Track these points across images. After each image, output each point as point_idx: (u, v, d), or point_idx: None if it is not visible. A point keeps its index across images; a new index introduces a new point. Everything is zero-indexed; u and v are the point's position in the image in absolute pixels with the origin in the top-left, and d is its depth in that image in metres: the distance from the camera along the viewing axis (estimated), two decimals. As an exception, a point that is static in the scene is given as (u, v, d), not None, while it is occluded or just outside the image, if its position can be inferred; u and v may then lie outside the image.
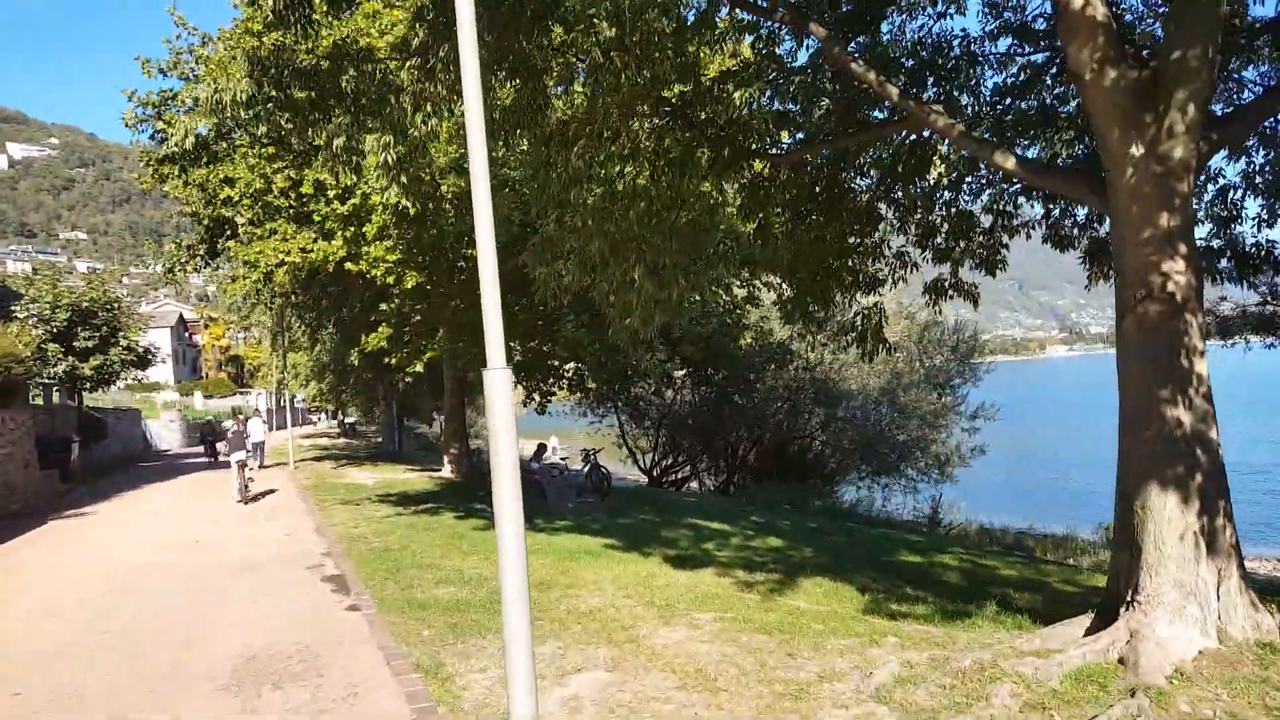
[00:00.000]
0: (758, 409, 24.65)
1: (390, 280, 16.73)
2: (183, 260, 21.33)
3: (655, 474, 28.56)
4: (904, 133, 8.77)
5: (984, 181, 9.76)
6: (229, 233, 20.73)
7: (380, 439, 48.86)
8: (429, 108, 9.04)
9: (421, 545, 11.03)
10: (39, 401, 26.86)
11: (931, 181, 9.29)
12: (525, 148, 13.33)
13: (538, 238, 9.21)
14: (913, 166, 8.98)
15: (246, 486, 17.75)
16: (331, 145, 9.16)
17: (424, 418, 55.04)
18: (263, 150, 18.53)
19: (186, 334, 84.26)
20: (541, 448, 19.61)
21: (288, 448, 27.97)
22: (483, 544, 11.10)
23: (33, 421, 21.02)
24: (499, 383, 4.19)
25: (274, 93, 8.64)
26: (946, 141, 8.38)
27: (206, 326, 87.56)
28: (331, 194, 16.78)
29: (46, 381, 27.92)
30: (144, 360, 33.45)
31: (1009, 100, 9.17)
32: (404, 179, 9.17)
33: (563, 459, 46.72)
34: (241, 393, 70.78)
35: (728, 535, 13.02)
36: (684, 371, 23.32)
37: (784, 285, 10.44)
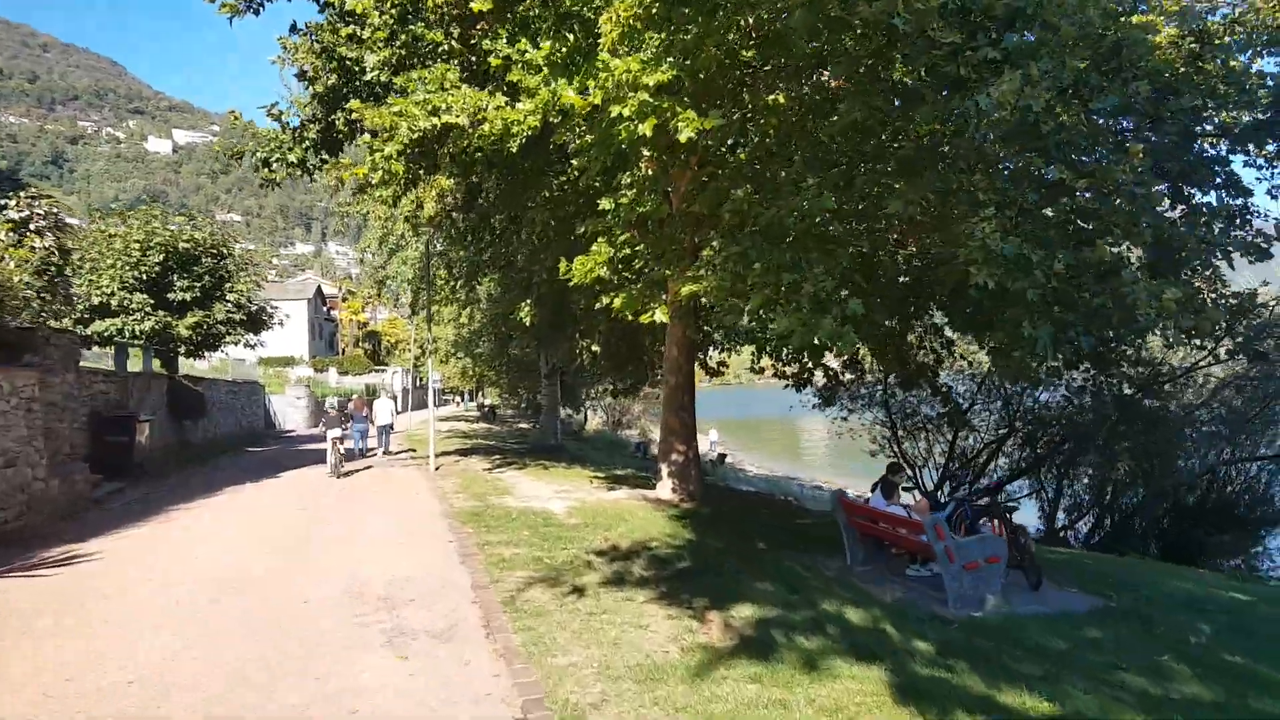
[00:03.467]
0: (1185, 414, 15.17)
1: (646, 130, 8.25)
2: (287, 147, 13.60)
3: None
4: None
5: None
6: (352, 92, 12.90)
7: (531, 426, 41.58)
8: None
9: None
10: (103, 365, 20.12)
11: None
12: None
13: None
14: None
15: (340, 463, 17.77)
16: None
17: (574, 403, 47.72)
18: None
19: (325, 307, 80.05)
20: (894, 470, 10.82)
21: (427, 436, 20.20)
22: None
23: (69, 391, 13.83)
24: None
25: None
26: None
27: (345, 300, 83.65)
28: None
29: (124, 341, 21.28)
30: (257, 321, 26.62)
31: None
32: None
33: (720, 454, 37.88)
34: (378, 370, 65.74)
35: None
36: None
37: None
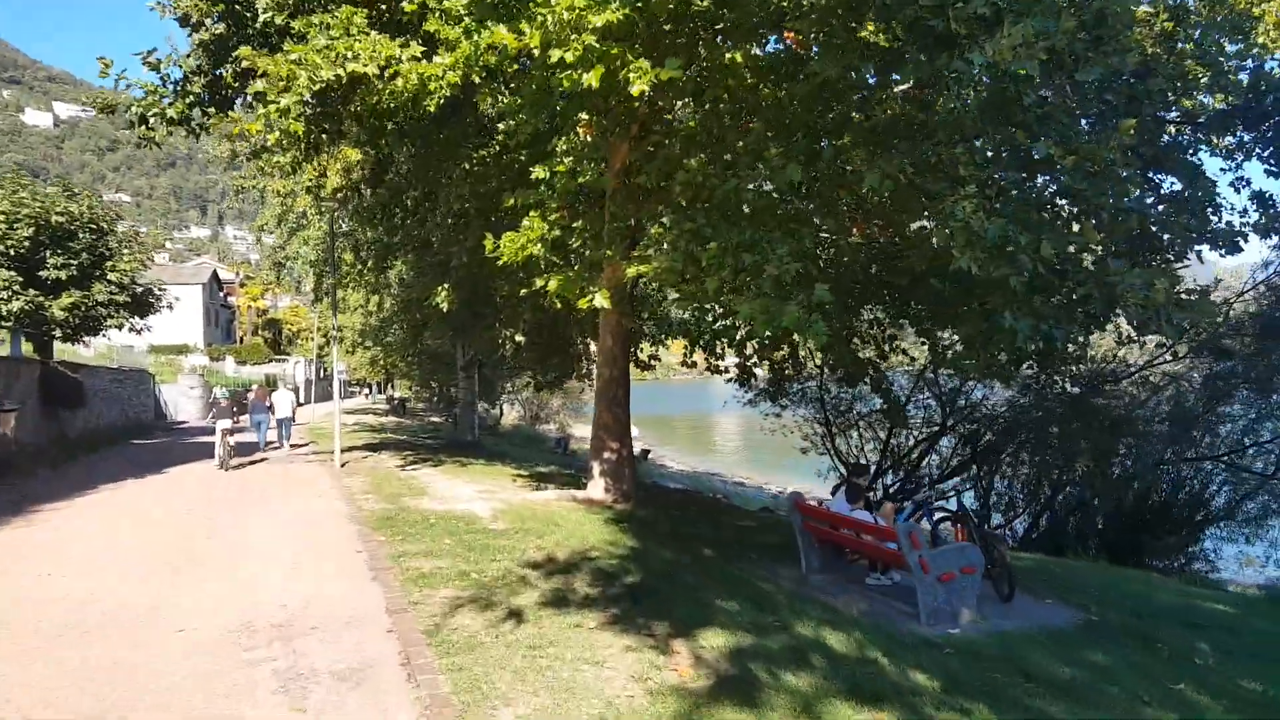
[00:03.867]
0: (1128, 413, 14.99)
1: (592, 81, 7.19)
2: (166, 101, 11.98)
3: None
4: None
5: None
6: (243, 41, 11.41)
7: (445, 420, 40.03)
8: None
9: None
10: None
11: None
12: None
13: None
14: None
15: (230, 456, 17.04)
16: None
17: (490, 396, 46.25)
18: None
19: (221, 293, 75.89)
20: (858, 472, 10.05)
21: (333, 430, 18.64)
22: None
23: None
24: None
25: None
26: None
27: (243, 286, 79.53)
28: None
29: (-12, 322, 19.07)
30: (142, 303, 24.43)
31: None
32: None
33: (644, 450, 37.03)
34: (278, 360, 62.63)
35: None
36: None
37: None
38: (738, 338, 13.59)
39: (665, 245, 8.56)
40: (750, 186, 8.39)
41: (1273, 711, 5.46)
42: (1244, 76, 10.04)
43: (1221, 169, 10.79)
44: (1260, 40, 10.86)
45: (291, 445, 22.10)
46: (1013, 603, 8.48)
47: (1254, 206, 10.75)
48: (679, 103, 10.11)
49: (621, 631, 5.96)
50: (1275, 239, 11.96)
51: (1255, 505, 15.87)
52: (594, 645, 5.64)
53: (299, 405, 30.27)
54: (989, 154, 8.35)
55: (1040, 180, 8.96)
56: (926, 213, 8.78)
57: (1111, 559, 14.00)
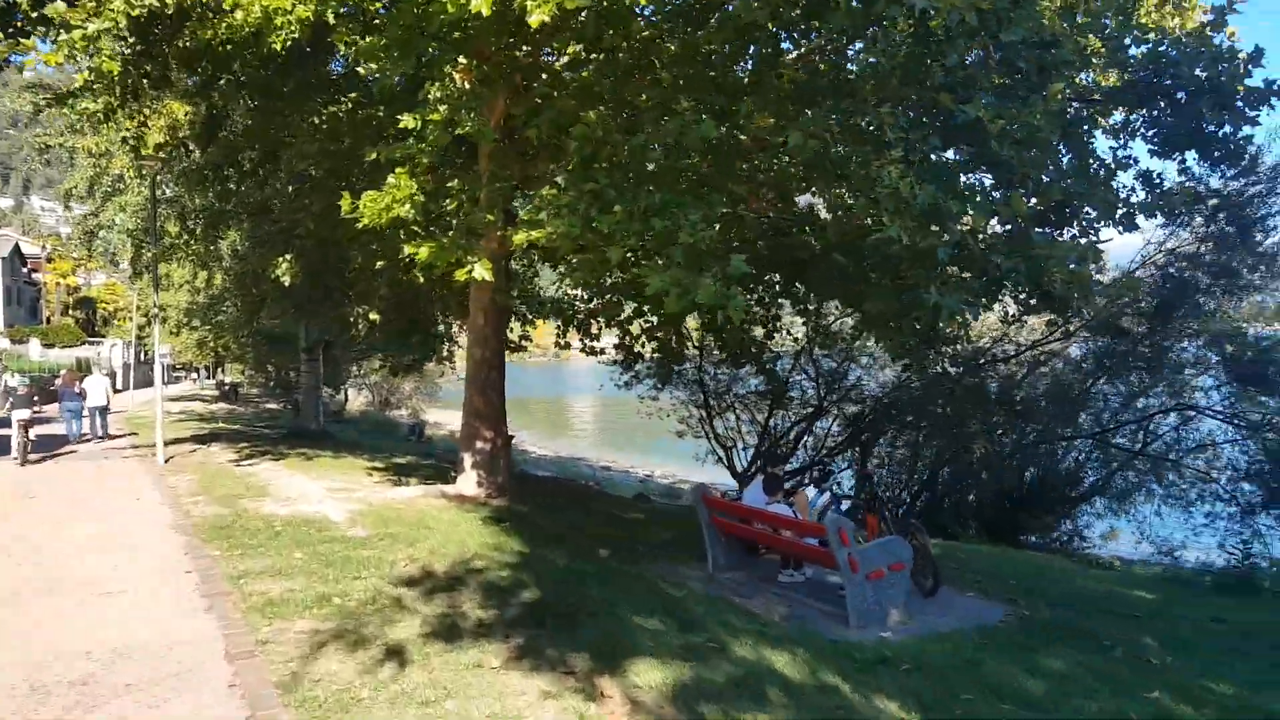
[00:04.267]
0: (1009, 392, 15.10)
1: (482, 8, 5.98)
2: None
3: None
4: None
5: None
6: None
7: (282, 406, 37.20)
8: None
9: None
10: None
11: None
12: None
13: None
14: None
15: (27, 448, 15.16)
16: None
17: (334, 380, 43.41)
18: None
19: (25, 269, 68.26)
20: (774, 460, 9.25)
21: (155, 420, 16.29)
22: None
23: None
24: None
25: None
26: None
27: (50, 261, 71.71)
28: None
29: None
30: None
31: None
32: None
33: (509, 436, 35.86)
34: (92, 342, 56.92)
35: None
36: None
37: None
38: (622, 316, 12.66)
39: (561, 209, 7.45)
40: (661, 144, 7.41)
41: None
42: (1141, 49, 9.91)
43: (1111, 147, 10.74)
44: (1143, 20, 10.84)
45: (110, 436, 19.58)
46: (938, 597, 7.98)
47: (1141, 185, 10.73)
48: (569, 51, 8.98)
49: (533, 669, 4.88)
50: (1160, 218, 12.14)
51: (1123, 481, 16.41)
52: (503, 693, 4.54)
53: (115, 392, 27.09)
54: (910, 120, 7.74)
55: (956, 150, 8.49)
56: (845, 180, 8.10)
57: (991, 538, 14.06)
